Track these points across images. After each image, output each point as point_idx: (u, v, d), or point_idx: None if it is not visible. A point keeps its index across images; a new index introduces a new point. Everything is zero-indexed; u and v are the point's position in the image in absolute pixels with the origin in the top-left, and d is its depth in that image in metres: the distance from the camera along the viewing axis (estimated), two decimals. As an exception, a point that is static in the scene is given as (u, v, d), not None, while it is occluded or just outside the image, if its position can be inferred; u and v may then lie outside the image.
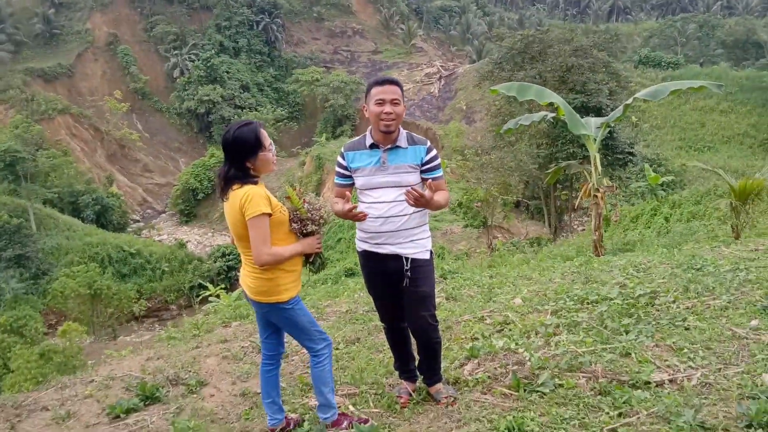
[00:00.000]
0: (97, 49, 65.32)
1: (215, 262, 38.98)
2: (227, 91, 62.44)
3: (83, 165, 52.14)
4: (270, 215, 3.36)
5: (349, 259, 30.76)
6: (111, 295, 32.91)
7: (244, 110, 61.20)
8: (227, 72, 64.68)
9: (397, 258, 3.75)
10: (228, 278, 37.21)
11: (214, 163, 52.59)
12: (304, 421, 3.76)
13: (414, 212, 3.73)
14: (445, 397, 3.92)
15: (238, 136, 3.40)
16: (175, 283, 39.15)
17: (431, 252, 3.85)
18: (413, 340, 4.03)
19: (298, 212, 3.54)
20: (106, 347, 22.77)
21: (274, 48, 72.33)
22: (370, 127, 3.81)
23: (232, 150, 3.40)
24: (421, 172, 3.74)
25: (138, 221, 53.87)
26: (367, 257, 3.88)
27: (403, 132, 3.78)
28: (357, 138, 3.91)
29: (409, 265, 3.73)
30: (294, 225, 3.53)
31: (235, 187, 3.40)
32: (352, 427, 3.58)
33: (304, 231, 3.55)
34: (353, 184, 3.86)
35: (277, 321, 3.61)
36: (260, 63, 70.50)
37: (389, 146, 3.73)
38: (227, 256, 38.77)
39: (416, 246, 3.75)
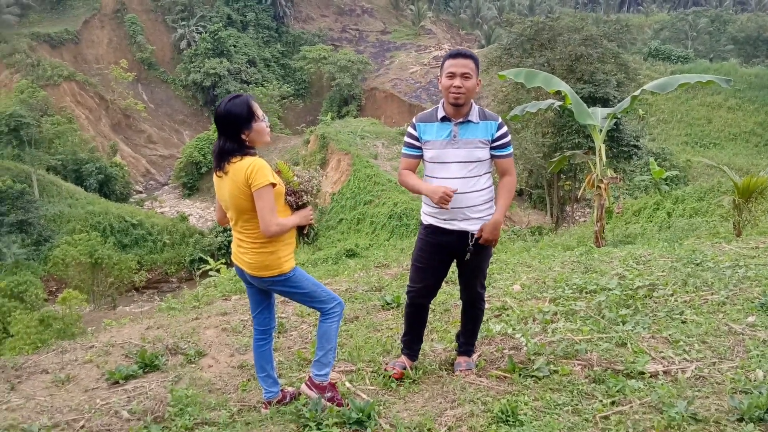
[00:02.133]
0: (104, 17, 64.81)
1: (216, 236, 38.99)
2: (234, 65, 62.06)
3: (87, 133, 51.96)
4: (275, 186, 3.38)
5: (350, 239, 30.83)
6: (112, 265, 32.98)
7: (250, 85, 60.90)
8: (234, 46, 64.23)
9: (463, 235, 3.79)
10: (228, 253, 36.86)
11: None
12: (300, 394, 3.80)
13: (482, 188, 3.76)
14: (461, 370, 4.02)
15: (230, 108, 3.40)
16: (175, 255, 39.22)
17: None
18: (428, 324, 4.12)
19: (290, 185, 3.56)
20: (106, 316, 22.89)
21: (282, 23, 71.78)
22: (442, 100, 3.80)
23: (226, 123, 3.40)
24: (491, 148, 3.75)
25: (141, 192, 53.83)
26: (432, 231, 3.88)
27: (476, 107, 3.77)
28: (429, 110, 3.91)
29: (473, 242, 3.78)
30: (289, 198, 3.54)
31: (234, 160, 3.39)
32: (335, 402, 3.61)
33: (299, 203, 3.58)
34: (421, 156, 3.86)
35: (283, 292, 3.64)
36: (268, 38, 69.99)
37: (460, 120, 3.73)
38: (228, 231, 38.65)
39: (483, 222, 3.78)
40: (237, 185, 3.37)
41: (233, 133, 3.40)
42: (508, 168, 3.80)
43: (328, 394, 3.63)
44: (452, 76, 3.65)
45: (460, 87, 3.62)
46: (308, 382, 3.69)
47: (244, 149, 3.42)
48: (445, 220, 3.79)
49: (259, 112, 3.47)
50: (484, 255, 3.91)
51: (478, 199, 3.75)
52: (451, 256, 3.92)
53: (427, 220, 3.90)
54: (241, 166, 3.37)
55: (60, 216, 38.27)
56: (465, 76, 3.63)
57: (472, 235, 3.76)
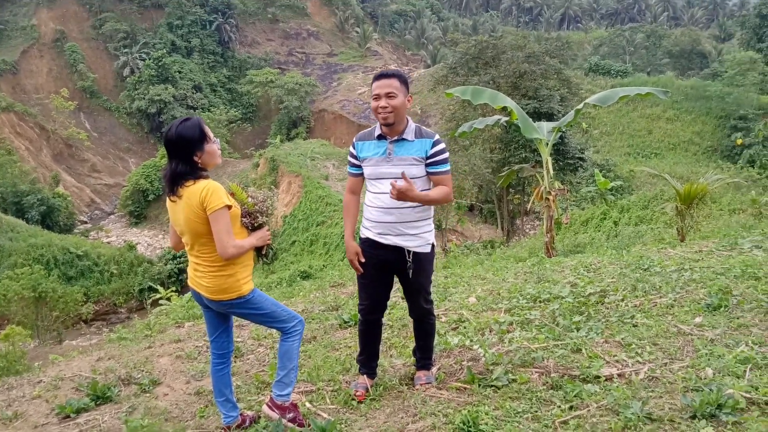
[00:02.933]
0: (43, 46, 63.36)
1: (166, 264, 38.21)
2: (179, 91, 61.33)
3: (28, 164, 50.46)
4: (230, 207, 3.34)
5: (304, 261, 30.61)
6: (57, 298, 31.90)
7: (197, 110, 60.23)
8: (179, 72, 63.54)
9: (398, 250, 3.80)
10: (179, 281, 36.53)
11: (166, 164, 51.45)
12: (260, 417, 3.74)
13: (417, 205, 3.76)
14: (422, 384, 4.03)
15: (182, 131, 3.37)
16: (124, 285, 38.22)
17: (433, 245, 3.92)
18: (382, 339, 4.11)
19: (245, 206, 3.54)
20: (51, 351, 22.09)
21: (228, 48, 71.42)
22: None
23: (179, 145, 3.36)
24: (426, 165, 3.76)
25: (86, 222, 52.42)
26: (369, 245, 3.90)
27: (412, 124, 3.81)
28: (369, 129, 3.94)
29: (411, 258, 3.79)
30: (244, 219, 3.51)
31: (188, 183, 3.35)
32: (296, 423, 3.57)
33: (255, 224, 3.55)
34: (363, 174, 3.91)
35: (243, 314, 3.59)
36: (213, 63, 69.52)
37: (395, 138, 3.76)
38: (178, 259, 38.06)
39: (419, 239, 3.81)
40: (192, 209, 3.33)
41: (186, 156, 3.36)
42: (446, 183, 3.81)
43: (290, 415, 3.58)
44: (378, 97, 3.70)
45: (386, 107, 3.67)
46: (269, 403, 3.63)
47: (197, 172, 3.39)
48: (379, 234, 3.83)
49: (210, 133, 3.46)
50: (423, 272, 3.91)
51: (413, 215, 3.77)
52: (389, 271, 3.94)
53: (364, 233, 3.95)
54: (195, 190, 3.33)
55: (1, 250, 36.93)
56: (389, 95, 3.67)
57: (410, 252, 3.79)
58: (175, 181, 3.38)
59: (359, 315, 4.11)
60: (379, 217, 3.80)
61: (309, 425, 3.52)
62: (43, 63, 62.43)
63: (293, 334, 3.61)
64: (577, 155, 25.95)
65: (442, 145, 3.78)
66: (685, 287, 5.58)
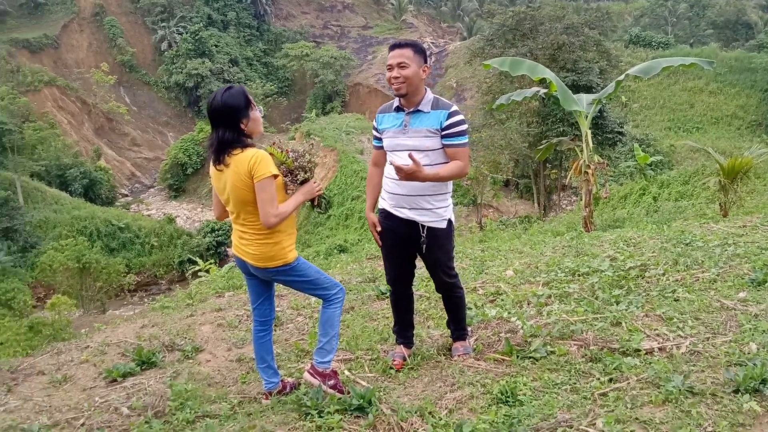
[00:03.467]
0: (82, 20, 64.17)
1: (204, 237, 38.84)
2: (216, 65, 61.65)
3: (70, 138, 51.50)
4: (276, 177, 3.39)
5: (340, 235, 30.82)
6: (100, 269, 32.75)
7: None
8: (216, 45, 63.83)
9: (412, 224, 3.80)
10: (218, 253, 37.16)
11: (203, 138, 52.06)
12: (300, 384, 3.82)
13: None
14: (459, 355, 4.04)
15: (227, 98, 3.40)
16: (164, 257, 39.04)
17: (450, 221, 3.88)
18: (416, 309, 4.12)
19: (284, 165, 3.52)
20: (95, 320, 22.76)
21: (264, 22, 71.40)
22: None
23: (224, 113, 3.38)
24: (442, 137, 3.72)
25: (126, 195, 53.48)
26: (385, 216, 3.92)
27: (430, 96, 3.76)
28: (390, 101, 3.94)
29: (425, 233, 3.78)
30: (286, 179, 3.51)
31: (235, 152, 3.39)
32: (337, 390, 3.62)
33: (297, 181, 3.54)
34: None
35: (287, 282, 3.65)
36: (249, 37, 69.61)
37: (412, 109, 3.74)
38: (216, 231, 38.66)
39: (433, 215, 3.79)
40: (240, 177, 3.37)
41: (232, 123, 3.39)
42: (460, 155, 3.73)
43: (331, 382, 3.63)
44: (391, 67, 3.68)
45: (398, 77, 3.64)
46: (311, 370, 3.69)
47: (243, 140, 3.42)
48: (393, 206, 3.83)
49: (253, 101, 3.49)
50: (439, 248, 3.88)
51: (428, 189, 3.74)
52: (405, 244, 3.91)
53: (381, 204, 3.96)
54: (243, 158, 3.36)
55: (45, 222, 37.95)
56: (401, 65, 3.64)
57: (423, 226, 3.77)
58: (222, 149, 3.41)
59: (389, 286, 4.17)
60: (393, 188, 3.81)
61: (348, 392, 3.57)
62: (83, 37, 63.30)
63: (335, 301, 3.66)
64: (616, 129, 25.47)
65: (458, 117, 3.71)
66: (728, 262, 5.48)
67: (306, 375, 3.71)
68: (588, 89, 22.24)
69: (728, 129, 44.81)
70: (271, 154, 3.51)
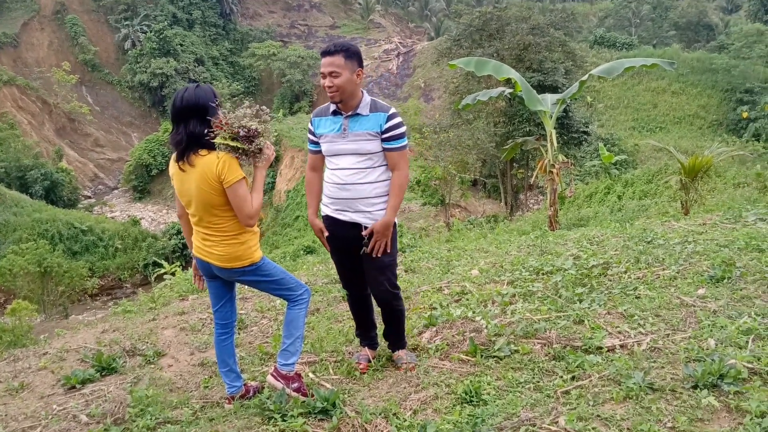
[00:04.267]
0: (43, 18, 62.85)
1: (170, 239, 38.30)
2: (181, 65, 60.90)
3: (31, 139, 50.36)
4: (245, 178, 3.35)
5: (308, 236, 30.64)
6: (62, 273, 32.08)
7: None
8: (181, 45, 63.04)
9: (356, 226, 3.76)
10: (183, 256, 36.66)
11: (168, 139, 51.16)
12: (263, 387, 3.77)
13: (374, 181, 3.71)
14: (405, 363, 3.99)
15: (200, 92, 3.36)
16: (128, 260, 38.40)
17: (394, 223, 3.85)
18: (377, 308, 4.08)
19: (240, 149, 3.33)
20: (58, 326, 22.27)
21: (229, 20, 70.75)
22: None
23: (196, 109, 3.33)
24: (382, 140, 3.69)
25: (89, 197, 52.51)
26: (329, 222, 3.89)
27: (367, 98, 3.72)
28: (325, 104, 3.87)
29: (366, 233, 3.74)
30: (242, 158, 3.37)
31: (202, 152, 3.33)
32: (301, 392, 3.58)
33: (249, 150, 3.35)
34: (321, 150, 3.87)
35: (252, 282, 3.60)
36: (215, 36, 68.91)
37: (350, 113, 3.70)
38: (182, 234, 38.19)
39: (376, 216, 3.74)
40: (206, 180, 3.31)
41: (202, 120, 3.32)
42: (399, 162, 3.71)
43: (294, 385, 3.60)
44: (324, 75, 3.63)
45: (330, 86, 3.60)
46: (274, 373, 3.64)
47: (209, 139, 3.33)
48: (337, 210, 3.80)
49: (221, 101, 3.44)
50: (376, 252, 3.82)
51: (370, 192, 3.71)
52: (349, 248, 3.85)
53: (324, 210, 3.93)
54: (210, 161, 3.30)
55: (5, 225, 37.05)
56: (333, 75, 3.58)
57: (365, 227, 3.74)
58: (189, 146, 3.34)
59: (345, 291, 4.16)
60: (335, 193, 3.76)
61: (312, 395, 3.54)
62: (43, 36, 62.01)
63: (300, 302, 3.63)
64: (581, 129, 25.84)
65: (397, 119, 3.70)
66: (688, 259, 5.57)
67: (269, 378, 3.66)
68: (554, 89, 22.50)
69: (690, 128, 45.77)
70: (226, 144, 3.33)
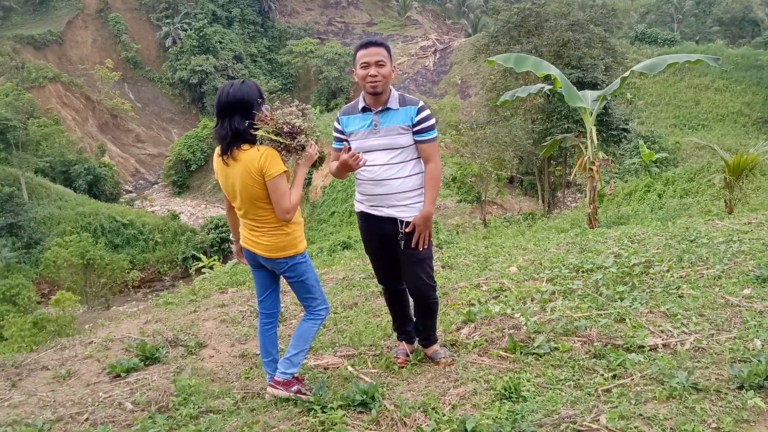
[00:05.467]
0: (87, 17, 64.32)
1: (208, 233, 38.89)
2: (220, 62, 61.75)
3: (75, 134, 51.64)
4: (286, 172, 3.39)
5: (343, 232, 30.81)
6: (104, 265, 32.85)
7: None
8: (220, 42, 63.90)
9: (392, 221, 3.77)
10: (221, 250, 37.20)
11: (207, 135, 52.19)
12: (303, 379, 3.81)
13: (408, 175, 3.73)
14: (443, 358, 4.00)
15: (244, 89, 3.39)
16: (168, 254, 39.14)
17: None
18: (412, 303, 4.09)
19: (282, 144, 3.39)
20: (99, 317, 22.81)
21: (268, 18, 71.43)
22: (363, 92, 3.80)
23: (241, 104, 3.36)
24: (413, 133, 3.72)
25: (130, 192, 53.63)
26: (364, 218, 3.91)
27: (395, 93, 3.75)
28: (352, 102, 3.90)
29: (404, 229, 3.76)
30: (283, 157, 3.42)
31: (245, 146, 3.37)
32: (301, 392, 3.59)
33: (293, 146, 3.41)
34: (350, 149, 3.85)
35: (291, 275, 3.61)
36: (253, 33, 69.65)
37: (380, 108, 3.72)
38: (220, 228, 38.72)
39: (412, 209, 3.75)
40: (250, 174, 3.36)
41: (247, 115, 3.36)
42: (431, 154, 3.74)
43: (294, 388, 3.62)
44: (366, 65, 3.64)
45: (375, 75, 3.61)
46: (272, 383, 3.66)
47: (249, 133, 3.37)
48: (372, 206, 3.81)
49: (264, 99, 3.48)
50: (419, 245, 3.82)
51: (403, 186, 3.73)
52: (386, 243, 3.86)
53: (358, 207, 3.94)
54: (253, 155, 3.35)
55: (50, 218, 38.07)
56: (379, 64, 3.62)
57: (402, 221, 3.75)
58: (233, 141, 3.38)
59: (380, 286, 4.17)
60: (370, 190, 3.77)
61: (301, 393, 3.57)
62: (87, 34, 63.43)
63: (316, 317, 3.65)
64: (621, 126, 25.40)
65: (427, 111, 3.73)
66: (733, 259, 5.45)
67: (269, 390, 3.67)
68: (593, 86, 22.18)
69: (734, 126, 44.68)
70: (269, 138, 3.39)
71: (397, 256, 3.87)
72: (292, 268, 3.56)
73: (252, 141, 3.38)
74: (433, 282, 3.94)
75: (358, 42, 3.90)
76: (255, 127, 3.36)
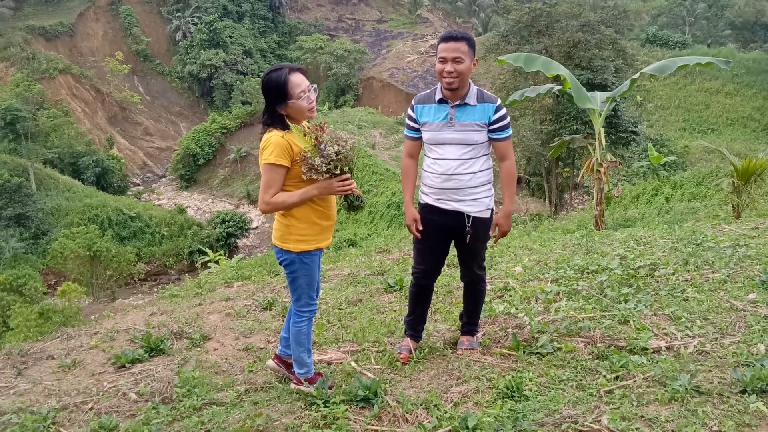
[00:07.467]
0: (98, 9, 64.56)
1: (215, 228, 39.04)
2: (230, 56, 61.88)
3: (84, 126, 51.87)
4: (280, 166, 3.34)
5: (349, 229, 30.87)
6: (110, 257, 33.01)
7: (246, 76, 60.76)
8: (230, 36, 64.00)
9: (458, 215, 3.78)
10: (227, 245, 37.33)
11: (215, 129, 52.33)
12: (322, 374, 3.83)
13: (478, 171, 3.74)
14: (464, 349, 4.05)
15: (266, 82, 3.39)
16: (174, 247, 39.28)
17: (492, 210, 3.89)
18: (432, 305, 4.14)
19: (305, 153, 3.31)
20: (105, 308, 22.95)
21: (278, 13, 71.51)
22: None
23: (264, 94, 3.41)
24: (489, 131, 3.70)
25: (138, 185, 53.84)
26: (429, 210, 3.86)
27: (474, 88, 3.71)
28: (428, 91, 3.85)
29: (470, 223, 3.77)
30: (303, 169, 3.32)
31: (269, 130, 3.41)
32: (331, 388, 3.61)
33: (316, 173, 3.28)
34: (421, 137, 3.85)
35: (284, 268, 3.62)
36: (264, 28, 69.74)
37: (458, 102, 3.69)
38: (227, 223, 38.86)
39: (478, 204, 3.78)
40: (260, 156, 3.42)
41: (268, 106, 3.41)
42: (506, 152, 3.77)
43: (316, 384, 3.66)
44: (444, 60, 3.60)
45: (451, 72, 3.57)
46: (295, 380, 3.71)
47: (276, 123, 3.39)
48: (439, 200, 3.79)
49: (298, 88, 3.34)
50: (480, 238, 3.89)
51: (473, 181, 3.73)
52: (448, 236, 3.90)
53: (423, 199, 3.91)
54: (264, 138, 3.41)
55: (58, 209, 38.27)
56: (456, 60, 3.57)
57: (469, 216, 3.76)
58: (265, 124, 3.45)
59: (413, 278, 4.09)
60: (439, 183, 3.75)
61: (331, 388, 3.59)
62: (98, 26, 63.66)
63: (299, 316, 3.62)
64: (630, 129, 25.31)
65: (504, 111, 3.71)
66: (739, 263, 5.44)
67: (294, 385, 3.72)
68: (603, 87, 22.09)
69: (744, 131, 44.47)
70: (302, 136, 3.33)
71: (446, 253, 3.98)
72: (284, 261, 3.57)
73: (270, 126, 3.40)
74: (483, 269, 4.09)
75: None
76: (306, 126, 3.36)
